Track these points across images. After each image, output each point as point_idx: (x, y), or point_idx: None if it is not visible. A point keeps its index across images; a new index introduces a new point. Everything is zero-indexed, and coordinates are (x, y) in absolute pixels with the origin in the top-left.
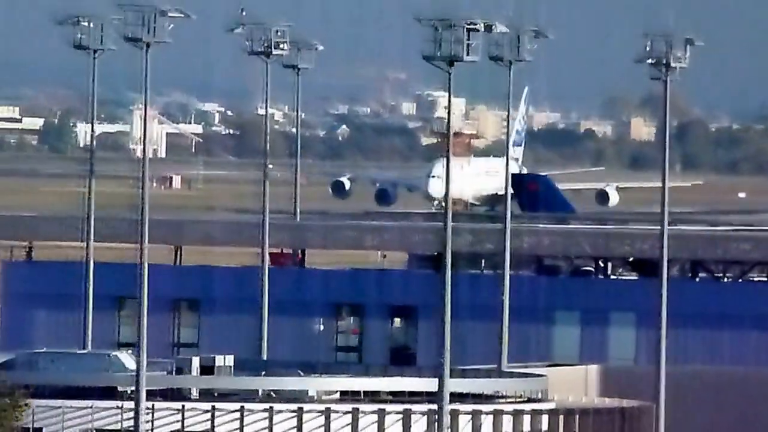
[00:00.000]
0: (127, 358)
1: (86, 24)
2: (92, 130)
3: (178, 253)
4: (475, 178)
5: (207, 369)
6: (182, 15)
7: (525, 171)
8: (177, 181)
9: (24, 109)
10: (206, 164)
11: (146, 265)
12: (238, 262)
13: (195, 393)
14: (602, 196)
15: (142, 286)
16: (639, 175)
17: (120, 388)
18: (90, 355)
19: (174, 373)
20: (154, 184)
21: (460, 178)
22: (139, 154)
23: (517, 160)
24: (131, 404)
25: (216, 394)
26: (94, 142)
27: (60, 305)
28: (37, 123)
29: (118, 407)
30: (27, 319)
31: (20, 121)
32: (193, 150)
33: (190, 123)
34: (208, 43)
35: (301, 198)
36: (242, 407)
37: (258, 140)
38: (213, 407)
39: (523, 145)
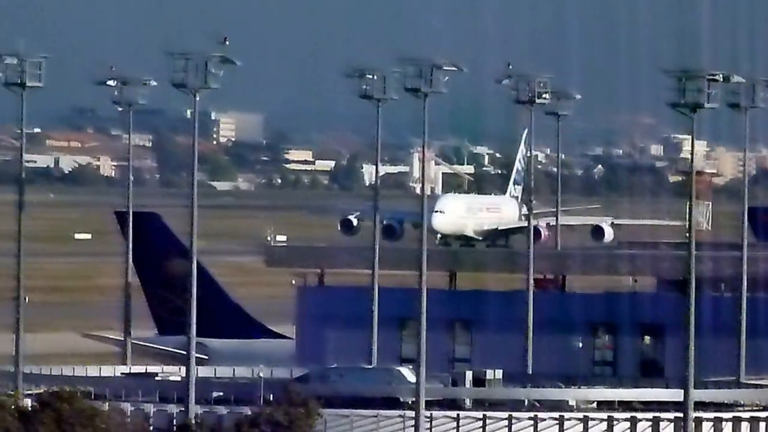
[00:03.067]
0: (408, 373)
1: (371, 76)
2: (377, 171)
3: (453, 278)
4: (477, 213)
5: (479, 381)
6: (456, 68)
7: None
8: None
9: (317, 152)
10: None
11: (425, 289)
12: (506, 286)
13: (468, 403)
14: (597, 232)
15: (422, 308)
16: None
17: (402, 399)
18: (375, 370)
19: (450, 385)
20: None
21: (466, 213)
22: (418, 191)
23: (516, 198)
24: (412, 413)
25: (487, 404)
26: (379, 181)
27: (349, 326)
28: (328, 165)
29: (400, 416)
30: (319, 338)
31: (313, 163)
32: (466, 188)
33: (463, 164)
34: (479, 93)
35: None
36: (510, 415)
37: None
38: (484, 415)
39: (522, 183)
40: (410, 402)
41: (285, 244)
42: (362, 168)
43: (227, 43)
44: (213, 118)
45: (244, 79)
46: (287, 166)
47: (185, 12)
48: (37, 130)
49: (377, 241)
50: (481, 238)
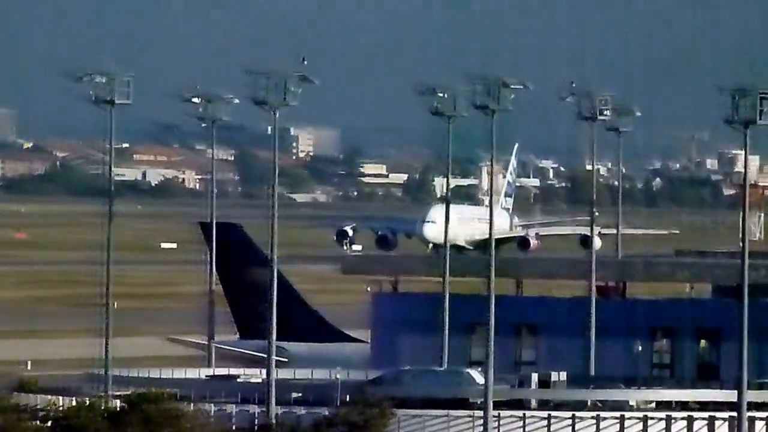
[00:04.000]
0: (477, 375)
1: (442, 94)
2: (447, 183)
3: (520, 285)
4: (469, 223)
5: (544, 383)
6: (522, 86)
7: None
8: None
9: (390, 166)
10: (543, 212)
11: (493, 296)
12: (571, 293)
13: (534, 403)
14: (585, 242)
15: (490, 314)
16: None
17: (471, 400)
18: (446, 372)
19: (516, 386)
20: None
21: (457, 223)
22: (486, 203)
23: (507, 210)
24: (480, 413)
25: (552, 404)
26: (449, 194)
27: (421, 330)
28: (401, 178)
29: (469, 416)
30: (393, 342)
31: (387, 176)
32: (532, 200)
33: (529, 177)
34: (544, 109)
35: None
36: (573, 415)
37: (586, 191)
38: (549, 415)
39: (513, 195)
40: (479, 403)
41: (360, 253)
42: (433, 180)
43: (305, 62)
44: (292, 133)
45: (321, 96)
46: (362, 179)
47: (266, 32)
48: (125, 144)
49: (447, 250)
50: (472, 248)
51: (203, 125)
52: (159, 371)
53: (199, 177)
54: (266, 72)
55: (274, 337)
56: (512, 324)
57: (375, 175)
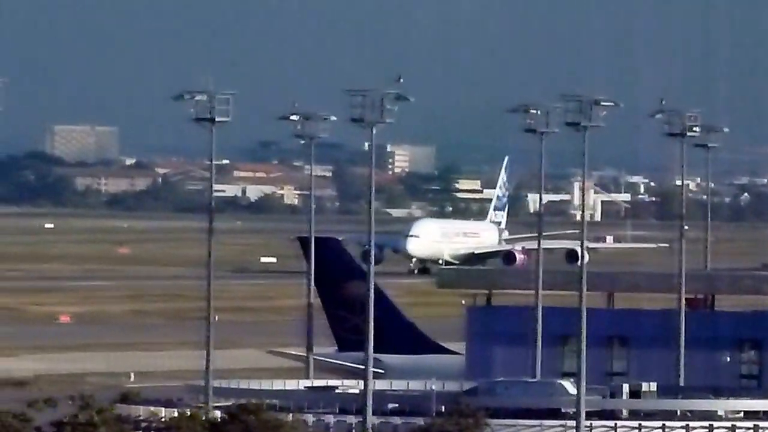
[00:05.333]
0: (569, 386)
1: (534, 111)
2: (540, 199)
3: (611, 298)
4: (453, 238)
5: (635, 393)
6: (612, 103)
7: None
8: (609, 240)
9: (484, 181)
10: (633, 226)
11: (584, 308)
12: (660, 305)
13: (625, 413)
14: (571, 256)
15: (582, 326)
16: None
17: (563, 410)
18: (539, 383)
19: (608, 397)
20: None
21: (441, 238)
22: (578, 218)
23: (498, 223)
24: (573, 423)
25: (642, 414)
26: (542, 209)
27: (514, 342)
28: (494, 193)
29: (561, 426)
30: (487, 354)
31: (481, 191)
32: (623, 214)
33: (620, 192)
34: (634, 126)
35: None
36: (663, 425)
37: (675, 206)
38: (640, 425)
39: (505, 209)
40: (571, 413)
41: (454, 267)
42: (527, 196)
43: (401, 81)
44: (388, 150)
45: (417, 114)
46: (457, 194)
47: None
48: (225, 161)
49: (540, 264)
50: (458, 262)
51: (302, 142)
52: (259, 383)
53: (298, 193)
54: (363, 90)
55: (372, 349)
56: (603, 336)
57: (469, 191)
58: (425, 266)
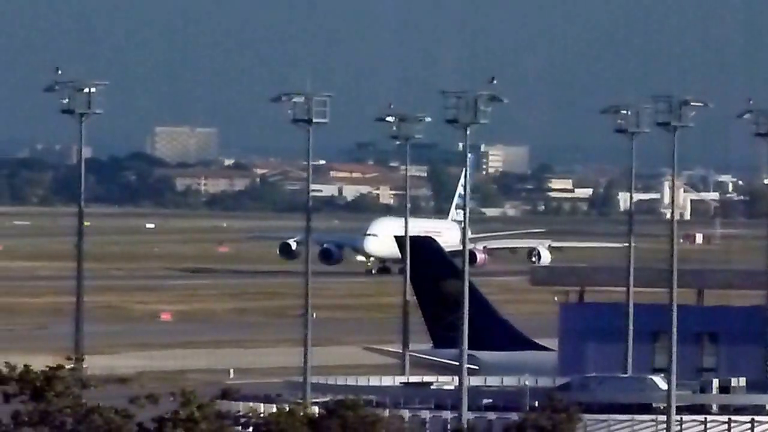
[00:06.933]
0: (660, 381)
1: (625, 112)
2: (631, 198)
3: (701, 295)
4: None
5: (724, 389)
6: (701, 104)
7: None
8: (699, 238)
9: (576, 181)
10: (723, 224)
11: (675, 305)
12: (750, 302)
13: (715, 408)
14: (535, 255)
15: (673, 323)
16: None
17: (654, 405)
18: (630, 379)
19: (698, 392)
20: (681, 241)
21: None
22: (668, 217)
23: (459, 222)
24: (663, 417)
25: (732, 409)
26: (633, 207)
27: (606, 338)
28: (587, 192)
29: (653, 420)
30: (580, 350)
31: (573, 191)
32: (712, 213)
33: (709, 191)
34: (723, 126)
35: None
36: (752, 419)
37: (765, 204)
38: (729, 419)
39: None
40: (662, 407)
41: (548, 265)
42: (617, 195)
43: (495, 82)
44: (482, 150)
45: (511, 115)
46: (549, 193)
47: (458, 54)
48: (322, 162)
49: (632, 262)
50: None
51: (397, 143)
52: (356, 379)
53: (393, 193)
54: (458, 92)
55: (466, 345)
56: (694, 332)
57: (561, 190)
58: (385, 266)
